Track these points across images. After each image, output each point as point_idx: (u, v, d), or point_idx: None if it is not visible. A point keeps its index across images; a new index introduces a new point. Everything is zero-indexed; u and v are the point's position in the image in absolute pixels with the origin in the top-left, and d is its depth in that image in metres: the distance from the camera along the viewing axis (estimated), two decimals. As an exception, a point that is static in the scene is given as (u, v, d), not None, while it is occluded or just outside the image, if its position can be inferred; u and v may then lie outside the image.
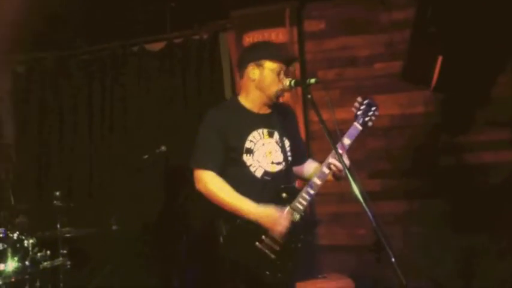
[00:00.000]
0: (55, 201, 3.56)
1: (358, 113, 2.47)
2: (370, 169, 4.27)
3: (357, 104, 2.47)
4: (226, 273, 2.31)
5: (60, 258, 3.53)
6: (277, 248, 2.30)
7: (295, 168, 2.62)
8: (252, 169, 2.38)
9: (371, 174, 4.28)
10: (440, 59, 3.44)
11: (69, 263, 3.72)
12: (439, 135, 4.06)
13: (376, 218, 2.00)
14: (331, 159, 2.38)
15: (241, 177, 2.37)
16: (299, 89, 4.39)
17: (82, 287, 3.88)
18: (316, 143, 4.41)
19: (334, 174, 2.43)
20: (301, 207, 2.34)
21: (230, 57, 4.66)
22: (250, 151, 2.39)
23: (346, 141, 2.43)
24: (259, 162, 2.40)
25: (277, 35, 4.46)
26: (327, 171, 2.38)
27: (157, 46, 4.82)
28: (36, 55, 5.04)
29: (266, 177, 2.39)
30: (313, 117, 4.39)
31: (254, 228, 2.28)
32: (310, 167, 2.61)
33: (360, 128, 2.45)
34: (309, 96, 2.31)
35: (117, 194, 4.41)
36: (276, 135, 2.47)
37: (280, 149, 2.46)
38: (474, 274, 3.81)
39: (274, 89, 2.41)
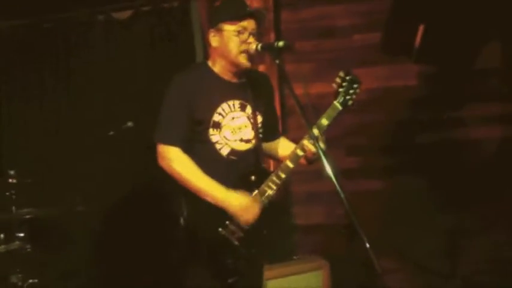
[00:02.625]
0: (10, 180, 3.26)
1: (340, 89, 2.21)
2: (347, 146, 4.06)
3: (338, 80, 2.21)
4: (186, 258, 2.09)
5: (16, 242, 3.27)
6: (241, 235, 2.09)
7: (265, 145, 2.38)
8: (217, 146, 2.14)
9: (348, 151, 4.07)
10: (421, 28, 3.20)
11: (28, 246, 3.48)
12: (420, 110, 3.85)
13: (350, 201, 1.77)
14: (306, 141, 2.15)
15: (206, 155, 2.13)
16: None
17: (43, 271, 3.62)
18: (293, 119, 4.16)
19: (306, 157, 2.20)
20: (270, 192, 2.13)
21: (202, 26, 4.36)
22: (217, 125, 2.13)
23: (324, 121, 2.19)
24: (226, 138, 2.15)
25: (251, 2, 4.13)
26: (300, 153, 2.15)
27: (124, 14, 4.48)
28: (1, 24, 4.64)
29: (232, 157, 2.16)
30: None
31: (218, 213, 2.07)
32: (282, 146, 2.39)
33: (340, 108, 2.21)
34: (277, 61, 2.04)
35: (81, 173, 4.12)
36: (249, 108, 2.22)
37: (251, 125, 2.21)
38: (457, 253, 3.68)
39: (237, 52, 2.12)
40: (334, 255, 3.69)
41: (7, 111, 4.63)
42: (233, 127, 2.16)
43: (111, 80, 4.37)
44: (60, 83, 4.49)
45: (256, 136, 2.21)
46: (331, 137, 4.02)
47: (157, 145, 2.14)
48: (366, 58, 3.95)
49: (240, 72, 2.21)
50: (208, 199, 2.06)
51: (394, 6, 3.37)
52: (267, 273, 3.26)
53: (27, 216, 3.40)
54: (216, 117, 2.13)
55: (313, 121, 2.17)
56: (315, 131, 2.16)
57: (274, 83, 4.11)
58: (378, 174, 3.97)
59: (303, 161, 2.25)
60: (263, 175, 2.13)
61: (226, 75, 2.21)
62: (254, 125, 2.21)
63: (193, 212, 2.08)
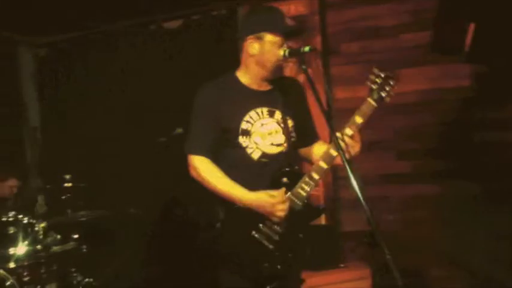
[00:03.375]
0: (65, 184, 3.46)
1: (373, 86, 2.15)
2: (398, 149, 3.95)
3: (372, 77, 2.15)
4: (222, 262, 2.10)
5: (71, 243, 3.44)
6: (276, 238, 2.08)
7: (303, 150, 2.36)
8: (248, 151, 2.14)
9: (399, 154, 3.95)
10: (472, 26, 3.05)
11: (84, 247, 3.66)
12: (473, 111, 3.66)
13: (373, 212, 1.72)
14: (342, 140, 2.10)
15: (237, 159, 2.14)
16: (319, 64, 4.11)
17: (98, 271, 3.79)
18: (341, 122, 4.10)
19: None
20: (303, 194, 2.09)
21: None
22: (246, 132, 2.14)
23: (358, 119, 2.13)
24: (257, 144, 2.15)
25: (296, 7, 4.15)
26: (334, 153, 2.11)
27: (175, 24, 4.63)
28: (55, 37, 4.95)
29: (263, 160, 2.15)
30: (338, 93, 4.09)
31: (252, 217, 2.06)
32: (319, 149, 2.34)
33: (375, 104, 2.13)
34: (304, 66, 2.03)
35: (133, 177, 4.28)
36: (278, 114, 2.21)
37: (281, 130, 2.21)
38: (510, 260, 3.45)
39: (275, 62, 2.14)
40: (381, 263, 3.58)
41: (61, 118, 4.90)
42: (263, 133, 2.16)
43: (161, 88, 4.52)
44: (113, 91, 4.70)
45: (287, 140, 2.20)
46: (381, 141, 3.99)
47: (187, 156, 2.19)
48: (415, 58, 3.83)
49: (267, 80, 2.21)
50: (238, 203, 2.07)
51: (443, 4, 3.23)
52: (309, 281, 3.26)
53: (82, 219, 3.59)
54: (244, 125, 2.14)
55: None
56: (349, 131, 2.12)
57: (320, 84, 4.10)
58: (430, 178, 3.81)
59: (339, 161, 2.20)
60: (296, 177, 2.10)
61: (255, 84, 2.22)
62: (285, 129, 2.20)
63: (228, 218, 2.10)
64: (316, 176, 2.10)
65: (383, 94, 2.13)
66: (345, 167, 1.79)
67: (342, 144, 2.05)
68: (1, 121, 4.63)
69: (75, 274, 3.50)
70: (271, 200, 2.04)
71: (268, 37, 2.11)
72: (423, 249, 3.72)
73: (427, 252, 3.73)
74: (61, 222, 3.53)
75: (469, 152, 3.67)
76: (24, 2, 4.09)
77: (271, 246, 2.08)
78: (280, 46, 2.11)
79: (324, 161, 2.11)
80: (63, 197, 3.51)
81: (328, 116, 1.92)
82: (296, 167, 2.18)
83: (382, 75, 2.14)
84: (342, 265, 3.65)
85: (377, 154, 3.99)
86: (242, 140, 2.14)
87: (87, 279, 3.62)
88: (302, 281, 2.25)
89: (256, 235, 2.07)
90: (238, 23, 4.44)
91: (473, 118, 3.67)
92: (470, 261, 3.56)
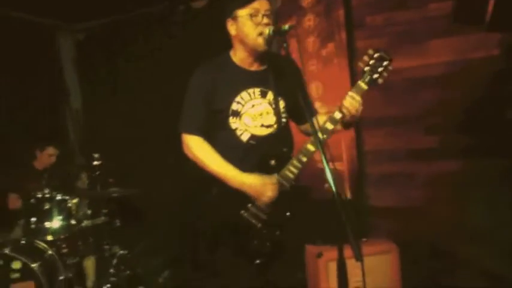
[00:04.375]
0: (94, 162, 3.67)
1: (366, 68, 2.10)
2: (426, 125, 3.79)
3: (366, 58, 2.10)
4: (212, 238, 2.19)
5: (102, 217, 3.67)
6: (264, 217, 2.12)
7: (303, 127, 2.37)
8: (238, 132, 2.16)
9: (427, 130, 3.80)
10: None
11: (117, 221, 3.90)
12: (504, 84, 3.44)
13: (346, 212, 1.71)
14: (325, 125, 2.09)
15: (227, 141, 2.17)
16: (343, 37, 4.00)
17: (131, 245, 4.01)
18: (365, 96, 3.98)
19: (347, 120, 2.13)
20: (290, 176, 2.11)
21: (276, 10, 4.37)
22: (236, 113, 2.16)
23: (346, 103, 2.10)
24: (246, 125, 2.16)
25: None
26: (338, 116, 2.11)
27: (201, 3, 4.67)
28: (93, 22, 5.15)
29: (252, 141, 2.16)
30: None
31: (241, 197, 2.10)
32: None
33: (365, 87, 2.10)
34: (285, 45, 2.00)
35: (164, 160, 4.42)
36: (270, 94, 2.21)
37: (273, 111, 2.21)
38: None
39: (254, 35, 2.10)
40: (405, 239, 3.52)
41: (100, 100, 5.14)
42: (253, 114, 2.17)
43: (190, 67, 4.59)
44: (141, 73, 4.85)
45: (278, 121, 2.20)
46: (408, 116, 3.86)
47: (180, 134, 2.23)
48: (442, 29, 3.62)
49: (260, 59, 2.20)
50: (227, 182, 2.12)
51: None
52: (329, 254, 3.27)
53: (114, 195, 3.80)
54: (235, 106, 2.16)
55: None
56: (338, 114, 2.10)
57: (344, 61, 4.01)
58: (458, 154, 3.65)
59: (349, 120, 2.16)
60: (284, 159, 2.12)
61: (247, 64, 2.21)
62: (276, 110, 2.19)
63: (218, 196, 2.15)
64: (303, 159, 2.11)
65: (375, 76, 2.08)
66: (322, 159, 1.77)
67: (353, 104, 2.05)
68: (45, 103, 4.95)
69: (109, 247, 3.74)
70: (261, 182, 2.07)
71: (239, 12, 2.11)
72: (451, 226, 3.61)
73: (455, 230, 3.61)
74: (93, 198, 3.78)
75: (500, 128, 3.47)
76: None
77: (259, 225, 2.12)
78: (255, 15, 2.08)
79: (312, 144, 2.10)
80: (93, 174, 3.74)
81: (308, 107, 1.89)
82: (285, 149, 2.18)
83: (375, 56, 2.08)
84: (364, 239, 3.62)
85: (403, 129, 3.87)
86: (232, 121, 2.16)
87: (121, 252, 3.86)
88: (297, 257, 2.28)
89: (245, 214, 2.12)
90: None
91: (504, 91, 3.45)
92: (499, 239, 3.41)
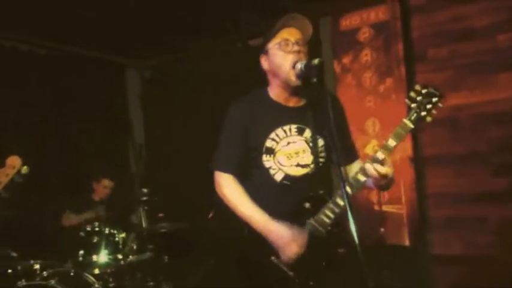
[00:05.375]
0: (143, 197, 3.65)
1: (412, 105, 1.88)
2: (495, 163, 3.41)
3: (412, 94, 1.89)
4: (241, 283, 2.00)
5: (148, 253, 3.60)
6: (296, 265, 1.91)
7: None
8: (271, 172, 1.99)
9: (496, 169, 3.41)
10: None
11: (166, 257, 3.81)
12: None
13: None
14: (368, 165, 1.86)
15: (260, 180, 2.00)
16: (403, 72, 3.76)
17: (181, 281, 3.90)
18: (427, 134, 3.69)
19: (375, 183, 1.91)
20: (327, 221, 1.89)
21: (331, 44, 4.22)
22: (270, 151, 1.99)
23: (392, 142, 1.87)
24: (280, 164, 1.99)
25: (376, 14, 3.86)
26: (362, 178, 1.87)
27: (259, 41, 4.62)
28: (157, 59, 5.30)
29: (286, 182, 1.98)
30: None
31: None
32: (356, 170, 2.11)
33: (411, 126, 1.87)
34: (314, 80, 1.82)
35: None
36: (308, 132, 2.04)
37: (310, 150, 2.03)
38: None
39: (286, 65, 1.94)
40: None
41: (163, 135, 5.20)
42: (289, 152, 2.00)
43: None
44: (204, 108, 4.84)
45: (315, 161, 2.00)
46: (475, 154, 3.49)
47: (213, 172, 2.10)
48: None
49: (297, 94, 2.04)
50: (257, 230, 1.93)
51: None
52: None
53: (163, 230, 3.74)
54: (269, 143, 2.00)
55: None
56: (380, 154, 1.87)
57: (403, 97, 3.73)
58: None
59: (373, 186, 1.96)
60: (320, 202, 1.91)
61: (283, 99, 2.05)
62: (313, 149, 2.01)
63: (249, 238, 1.97)
64: (341, 203, 1.89)
65: (423, 114, 1.86)
66: (346, 204, 1.57)
67: (372, 170, 1.82)
68: (109, 137, 5.10)
69: (154, 283, 3.65)
70: (289, 235, 1.88)
71: (270, 45, 2.00)
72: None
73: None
74: (141, 233, 3.74)
75: None
76: (129, 30, 4.47)
77: (290, 273, 1.91)
78: (285, 44, 1.95)
79: (351, 186, 1.88)
80: (141, 209, 3.72)
81: (334, 146, 1.70)
82: (321, 192, 1.98)
83: (424, 92, 1.87)
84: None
85: (470, 169, 3.51)
86: (266, 159, 2.00)
87: (168, 288, 3.75)
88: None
89: (275, 260, 1.92)
90: (320, 34, 4.30)
91: None
92: None
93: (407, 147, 3.70)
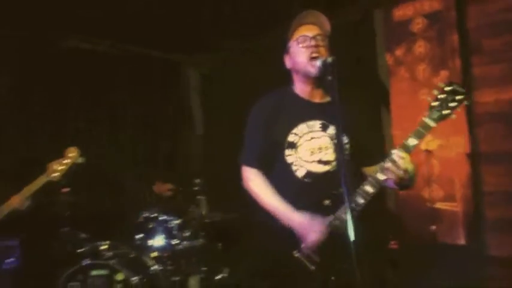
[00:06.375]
0: (195, 188, 3.83)
1: (433, 103, 1.85)
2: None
3: (435, 92, 1.87)
4: (265, 276, 2.09)
5: (200, 240, 3.80)
6: (317, 260, 1.96)
7: (367, 169, 2.15)
8: (293, 168, 2.03)
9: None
10: None
11: (219, 244, 4.01)
12: None
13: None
14: (387, 164, 1.86)
15: (283, 175, 2.05)
16: (458, 64, 3.60)
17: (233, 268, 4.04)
18: (483, 130, 3.52)
19: (395, 182, 1.91)
20: (346, 218, 1.92)
21: (386, 37, 4.13)
22: (293, 145, 2.03)
23: (412, 141, 1.86)
24: (302, 160, 2.03)
25: (430, 4, 3.71)
26: (381, 177, 1.88)
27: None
28: (216, 55, 5.47)
29: (307, 179, 2.02)
30: (481, 97, 3.53)
31: (295, 236, 1.98)
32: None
33: (433, 124, 1.84)
34: (329, 78, 1.83)
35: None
36: (332, 129, 2.06)
37: (333, 146, 2.05)
38: None
39: (304, 60, 1.99)
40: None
41: (221, 127, 5.37)
42: (312, 147, 2.02)
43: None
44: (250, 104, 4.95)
45: (338, 158, 2.03)
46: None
47: (240, 166, 2.19)
48: None
49: (322, 89, 2.08)
50: (279, 219, 2.00)
51: None
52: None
53: (216, 219, 3.93)
54: (291, 138, 2.04)
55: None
56: (399, 153, 1.86)
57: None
58: None
59: (393, 185, 1.96)
60: (340, 200, 1.94)
61: (308, 94, 2.09)
62: (337, 146, 2.03)
63: (272, 232, 2.05)
64: (361, 201, 1.91)
65: (445, 112, 1.83)
66: (346, 202, 1.59)
67: (391, 169, 1.82)
68: (170, 131, 5.37)
69: (206, 268, 3.85)
70: (309, 222, 1.93)
71: (290, 44, 2.06)
72: None
73: None
74: (194, 221, 3.94)
75: None
76: (185, 27, 4.67)
77: (312, 267, 1.97)
78: (303, 41, 2.00)
79: (371, 185, 1.89)
80: (201, 199, 3.92)
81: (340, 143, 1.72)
82: (341, 190, 2.00)
83: (447, 90, 1.83)
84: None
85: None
86: (288, 154, 2.04)
87: (222, 274, 3.94)
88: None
89: (297, 254, 1.99)
90: (375, 26, 4.23)
91: None
92: None
93: (463, 142, 3.56)
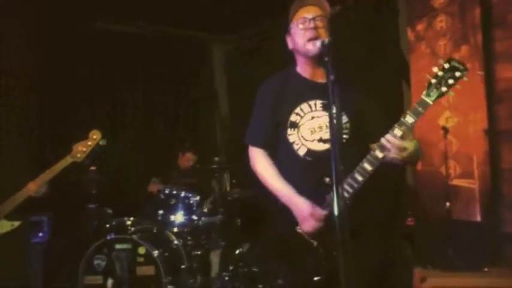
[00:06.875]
0: (214, 165, 3.94)
1: (433, 81, 1.86)
2: None
3: (435, 69, 1.87)
4: (272, 249, 2.17)
5: (219, 216, 3.92)
6: (319, 235, 2.01)
7: (372, 147, 2.17)
8: (295, 147, 2.07)
9: None
10: None
11: (238, 221, 4.12)
12: None
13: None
14: (384, 140, 1.89)
15: (286, 155, 2.10)
16: (479, 39, 3.51)
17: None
18: (503, 107, 3.44)
19: (396, 159, 1.92)
20: (345, 195, 1.96)
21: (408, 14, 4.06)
22: (294, 125, 2.07)
23: (410, 119, 1.87)
24: (303, 139, 2.07)
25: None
26: (380, 155, 1.90)
27: (336, 9, 4.58)
28: (239, 33, 5.50)
29: (308, 158, 2.06)
30: (503, 72, 3.44)
31: None
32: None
33: (430, 102, 1.85)
34: (326, 59, 1.84)
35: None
36: (333, 108, 2.09)
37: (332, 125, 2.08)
38: None
39: (303, 40, 2.02)
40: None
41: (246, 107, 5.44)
42: (312, 127, 2.05)
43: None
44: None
45: (337, 137, 2.06)
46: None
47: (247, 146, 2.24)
48: None
49: (323, 69, 2.09)
50: (280, 199, 2.06)
51: None
52: (434, 280, 2.96)
53: (235, 195, 4.03)
54: (293, 117, 2.07)
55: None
56: (398, 131, 1.88)
57: (479, 66, 3.49)
58: None
59: (395, 162, 1.97)
60: (340, 177, 1.98)
61: (310, 75, 2.11)
62: (338, 125, 2.06)
63: (276, 209, 2.12)
64: (360, 178, 1.94)
65: (443, 89, 1.83)
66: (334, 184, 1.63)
67: (390, 146, 1.85)
68: (197, 109, 5.48)
69: (225, 243, 3.98)
70: (308, 211, 1.98)
71: (291, 25, 2.09)
72: None
73: None
74: (214, 198, 4.06)
75: None
76: (212, 6, 4.72)
77: (315, 243, 2.04)
78: (302, 22, 2.03)
79: (369, 162, 1.93)
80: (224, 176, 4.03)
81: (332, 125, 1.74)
82: (342, 167, 2.03)
83: (447, 67, 1.83)
84: (485, 269, 3.14)
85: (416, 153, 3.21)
86: (290, 133, 2.09)
87: (241, 250, 4.05)
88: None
89: (299, 230, 2.06)
90: (398, 2, 4.17)
91: None
92: None
93: (482, 119, 3.50)
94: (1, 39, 3.92)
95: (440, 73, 1.83)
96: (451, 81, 1.82)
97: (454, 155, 3.61)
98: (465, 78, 1.82)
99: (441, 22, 3.72)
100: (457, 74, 1.81)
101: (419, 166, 3.84)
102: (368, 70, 4.09)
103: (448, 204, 3.42)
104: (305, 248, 2.04)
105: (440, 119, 3.71)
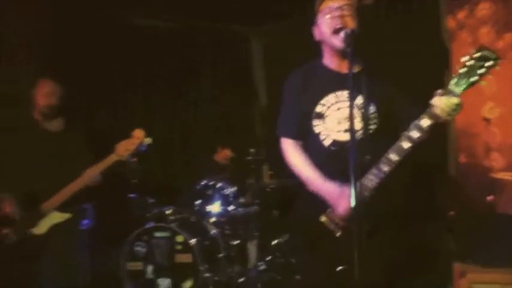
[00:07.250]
0: (249, 157, 3.98)
1: (462, 71, 1.81)
2: None
3: (464, 59, 1.82)
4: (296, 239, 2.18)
5: (255, 207, 3.97)
6: (343, 225, 2.01)
7: None
8: (321, 137, 2.09)
9: None
10: None
11: (276, 212, 4.16)
12: None
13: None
14: (410, 133, 1.87)
15: (313, 145, 2.13)
16: None
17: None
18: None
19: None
20: (370, 186, 1.95)
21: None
22: (320, 116, 2.09)
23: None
24: (329, 129, 2.08)
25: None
26: (406, 145, 1.88)
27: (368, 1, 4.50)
28: (269, 27, 5.50)
29: (333, 148, 2.07)
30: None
31: (323, 202, 2.06)
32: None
33: (459, 91, 1.81)
34: (348, 49, 1.87)
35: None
36: (360, 99, 2.07)
37: (361, 116, 2.07)
38: None
39: (329, 31, 2.03)
40: None
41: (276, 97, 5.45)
42: (339, 117, 2.06)
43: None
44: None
45: (364, 127, 2.04)
46: None
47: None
48: None
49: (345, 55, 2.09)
50: (309, 186, 2.08)
51: None
52: (474, 275, 2.89)
53: (272, 186, 4.06)
54: (319, 109, 2.08)
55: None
56: (426, 121, 1.87)
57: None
58: None
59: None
60: (364, 168, 1.96)
61: (336, 66, 2.11)
62: (363, 116, 2.05)
63: (306, 197, 2.14)
64: (385, 168, 1.93)
65: (472, 79, 1.78)
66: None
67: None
68: (236, 101, 5.54)
69: (259, 233, 4.03)
70: (338, 193, 1.99)
71: (317, 16, 2.09)
72: None
73: None
74: (251, 188, 4.11)
75: None
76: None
77: (338, 233, 2.04)
78: (326, 13, 2.03)
79: (395, 152, 1.91)
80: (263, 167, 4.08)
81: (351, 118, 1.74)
82: (367, 157, 2.02)
83: (477, 56, 1.78)
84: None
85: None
86: (316, 124, 2.11)
87: (278, 240, 4.10)
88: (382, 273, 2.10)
89: (322, 219, 2.07)
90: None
91: None
92: None
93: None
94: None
95: (469, 63, 1.78)
96: (481, 70, 1.76)
97: (497, 147, 3.48)
98: (497, 68, 1.76)
99: (483, 9, 3.58)
100: (488, 63, 1.75)
101: (461, 158, 3.73)
102: (408, 59, 4.00)
103: (491, 197, 3.31)
104: (328, 238, 2.06)
105: (483, 109, 3.58)
